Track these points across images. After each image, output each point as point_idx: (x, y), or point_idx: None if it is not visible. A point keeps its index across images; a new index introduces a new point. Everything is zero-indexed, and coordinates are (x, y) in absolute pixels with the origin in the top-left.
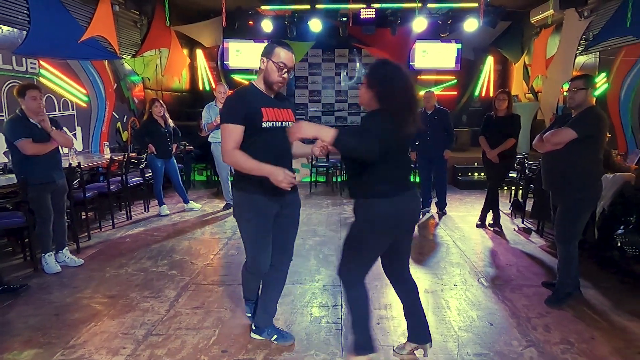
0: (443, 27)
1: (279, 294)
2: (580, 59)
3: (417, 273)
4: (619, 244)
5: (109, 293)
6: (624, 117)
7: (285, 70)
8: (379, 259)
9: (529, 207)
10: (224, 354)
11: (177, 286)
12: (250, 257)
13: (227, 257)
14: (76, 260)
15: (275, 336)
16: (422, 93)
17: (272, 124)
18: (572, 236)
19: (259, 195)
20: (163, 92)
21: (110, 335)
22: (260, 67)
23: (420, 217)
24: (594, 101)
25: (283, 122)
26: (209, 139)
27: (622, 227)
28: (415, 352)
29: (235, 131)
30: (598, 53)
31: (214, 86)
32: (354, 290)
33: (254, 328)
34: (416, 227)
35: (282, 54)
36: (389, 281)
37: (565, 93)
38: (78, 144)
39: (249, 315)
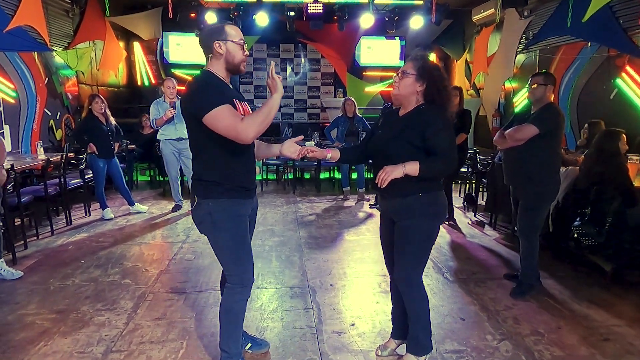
0: (390, 24)
1: None
2: (520, 58)
3: (383, 271)
4: (575, 235)
5: (57, 308)
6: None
7: (246, 46)
8: (384, 254)
9: (480, 200)
10: None
11: (133, 296)
12: (236, 275)
13: (184, 262)
14: (14, 272)
15: (249, 344)
16: (378, 88)
17: None
18: (535, 229)
19: (238, 200)
20: (99, 88)
21: (65, 355)
22: (215, 53)
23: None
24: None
25: None
26: (158, 136)
27: (578, 219)
28: (397, 350)
29: (229, 109)
30: (537, 51)
31: (153, 81)
32: (418, 290)
33: None
34: (373, 224)
35: (236, 32)
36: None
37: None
38: (7, 144)
39: None
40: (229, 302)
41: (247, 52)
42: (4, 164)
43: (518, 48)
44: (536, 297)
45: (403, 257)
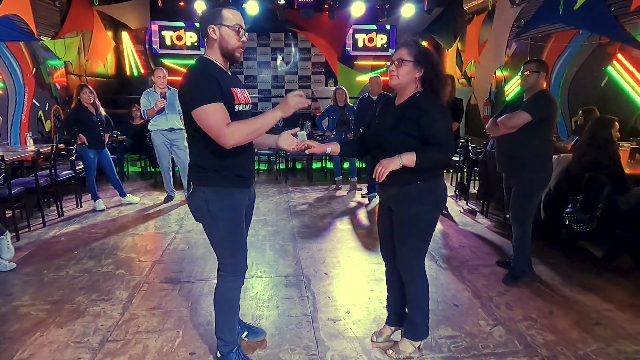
0: (381, 12)
1: None
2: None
3: (377, 259)
4: (567, 221)
5: (51, 299)
6: None
7: (243, 31)
8: (380, 242)
9: (472, 189)
10: (192, 356)
11: (127, 286)
12: (229, 263)
13: (178, 252)
14: (7, 264)
15: (245, 332)
16: (367, 78)
17: (243, 107)
18: (527, 216)
19: (235, 188)
20: (87, 78)
21: (61, 346)
22: (210, 38)
23: (369, 203)
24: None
25: (247, 105)
26: (149, 127)
27: (569, 205)
28: (392, 336)
29: (219, 109)
30: (529, 39)
31: (142, 71)
32: (420, 277)
33: (218, 355)
34: (365, 213)
35: (233, 15)
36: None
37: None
38: None
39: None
40: (223, 290)
41: (244, 38)
42: None
43: (509, 36)
44: (528, 284)
45: (403, 245)
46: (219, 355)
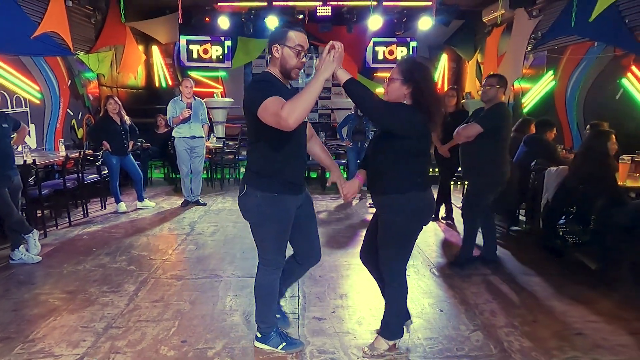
0: (398, 25)
1: (288, 286)
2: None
3: None
4: (561, 233)
5: (68, 289)
6: (570, 113)
7: (304, 53)
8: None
9: None
10: (183, 344)
11: (135, 281)
12: (272, 259)
13: (186, 252)
14: (33, 257)
15: (283, 344)
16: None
17: None
18: (476, 214)
19: (286, 195)
20: (118, 89)
21: (70, 329)
22: (273, 56)
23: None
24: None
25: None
26: (173, 134)
27: (563, 217)
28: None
29: (275, 99)
30: (546, 51)
31: (170, 83)
32: (398, 281)
33: (258, 336)
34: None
35: (297, 37)
36: (344, 273)
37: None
38: (32, 142)
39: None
40: (263, 280)
41: (303, 59)
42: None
43: (527, 48)
44: (518, 292)
45: (382, 248)
46: (259, 335)
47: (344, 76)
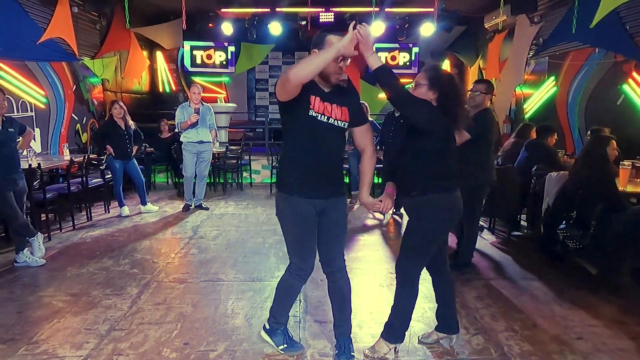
0: (400, 31)
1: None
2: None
3: (375, 269)
4: (561, 238)
5: (71, 291)
6: (572, 119)
7: (342, 59)
8: None
9: None
10: (185, 346)
11: (139, 284)
12: (294, 263)
13: (189, 255)
14: (38, 260)
15: (284, 345)
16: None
17: (318, 116)
18: (476, 217)
19: (297, 197)
20: (123, 94)
21: (74, 331)
22: None
23: (383, 218)
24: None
25: (330, 118)
26: (181, 138)
27: (563, 222)
28: (440, 341)
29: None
30: (547, 57)
31: (173, 88)
32: (410, 285)
33: (266, 327)
34: (377, 227)
35: (335, 41)
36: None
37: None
38: (37, 146)
39: (283, 347)
40: (286, 282)
41: (341, 64)
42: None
43: (529, 54)
44: (517, 297)
45: (402, 250)
46: (267, 326)
47: (376, 62)
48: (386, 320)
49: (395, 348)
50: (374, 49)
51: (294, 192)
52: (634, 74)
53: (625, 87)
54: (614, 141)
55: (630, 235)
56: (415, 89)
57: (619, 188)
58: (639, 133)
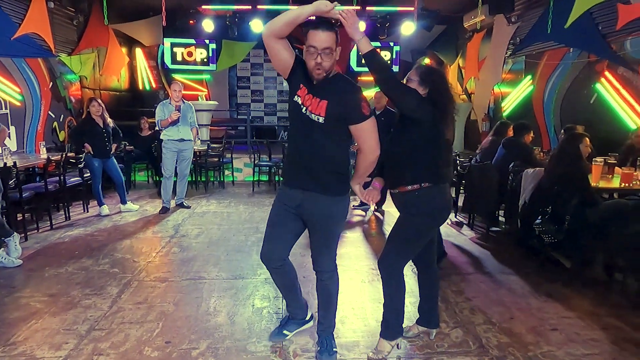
0: (381, 30)
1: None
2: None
3: (357, 265)
4: (537, 232)
5: (49, 292)
6: (548, 117)
7: (316, 54)
8: None
9: (460, 202)
10: (167, 344)
11: (119, 283)
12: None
13: (170, 254)
14: (14, 260)
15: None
16: (373, 93)
17: (300, 105)
18: None
19: (283, 186)
20: (101, 92)
21: (52, 332)
22: None
23: (365, 215)
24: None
25: (307, 110)
26: (161, 136)
27: (539, 217)
28: (421, 334)
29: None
30: (524, 57)
31: (153, 85)
32: (397, 279)
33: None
34: (360, 224)
35: (309, 37)
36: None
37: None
38: (12, 144)
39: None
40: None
41: (318, 60)
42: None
43: (506, 53)
44: (496, 290)
45: (389, 243)
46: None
47: (366, 46)
48: (381, 318)
49: (397, 344)
50: (364, 34)
51: (283, 182)
52: (606, 73)
53: (598, 86)
54: (587, 138)
55: (602, 229)
56: (407, 83)
57: (592, 184)
58: (611, 130)
